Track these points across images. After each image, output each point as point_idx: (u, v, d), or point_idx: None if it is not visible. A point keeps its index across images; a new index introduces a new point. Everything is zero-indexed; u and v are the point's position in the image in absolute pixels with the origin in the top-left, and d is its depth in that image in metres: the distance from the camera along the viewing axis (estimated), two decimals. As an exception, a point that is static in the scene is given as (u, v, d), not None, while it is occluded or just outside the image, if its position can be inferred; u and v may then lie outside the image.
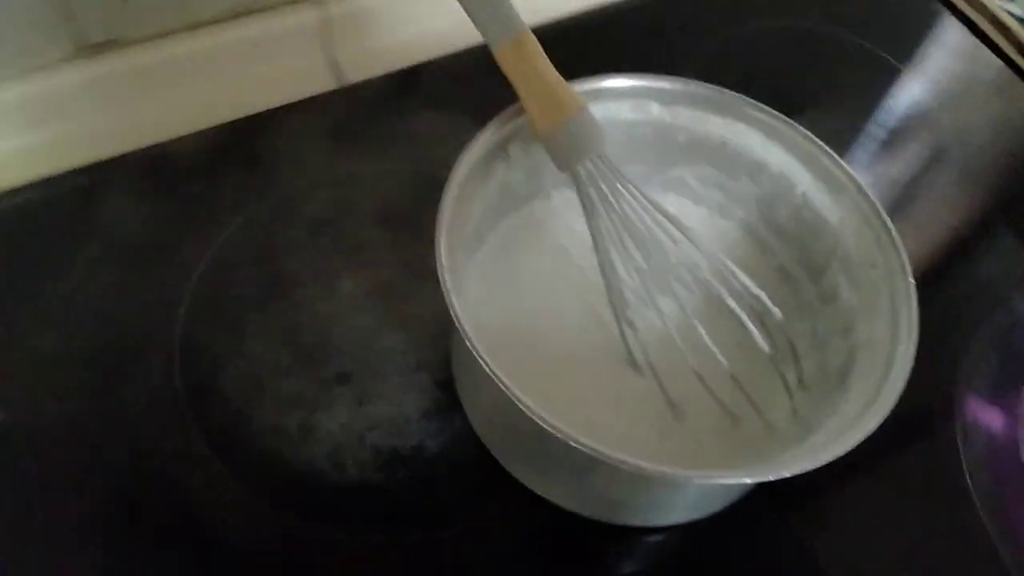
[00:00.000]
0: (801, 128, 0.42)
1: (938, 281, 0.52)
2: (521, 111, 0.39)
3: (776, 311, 0.40)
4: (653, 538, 0.41)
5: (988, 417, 0.47)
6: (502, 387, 0.32)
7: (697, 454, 0.40)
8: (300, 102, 0.53)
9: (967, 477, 0.44)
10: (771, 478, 0.32)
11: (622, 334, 0.41)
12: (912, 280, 0.37)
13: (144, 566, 0.37)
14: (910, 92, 0.61)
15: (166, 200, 0.48)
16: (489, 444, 0.41)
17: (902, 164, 0.57)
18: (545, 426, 0.31)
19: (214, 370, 0.42)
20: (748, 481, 0.35)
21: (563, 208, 0.45)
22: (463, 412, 0.42)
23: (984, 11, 0.66)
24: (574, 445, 0.31)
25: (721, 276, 0.41)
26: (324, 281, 0.46)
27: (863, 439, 0.32)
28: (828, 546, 0.41)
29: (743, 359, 0.41)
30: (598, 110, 0.40)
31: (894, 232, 0.39)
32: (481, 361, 0.32)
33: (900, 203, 0.55)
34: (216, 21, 0.51)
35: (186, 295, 0.44)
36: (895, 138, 0.59)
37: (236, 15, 0.51)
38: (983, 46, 0.65)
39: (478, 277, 0.42)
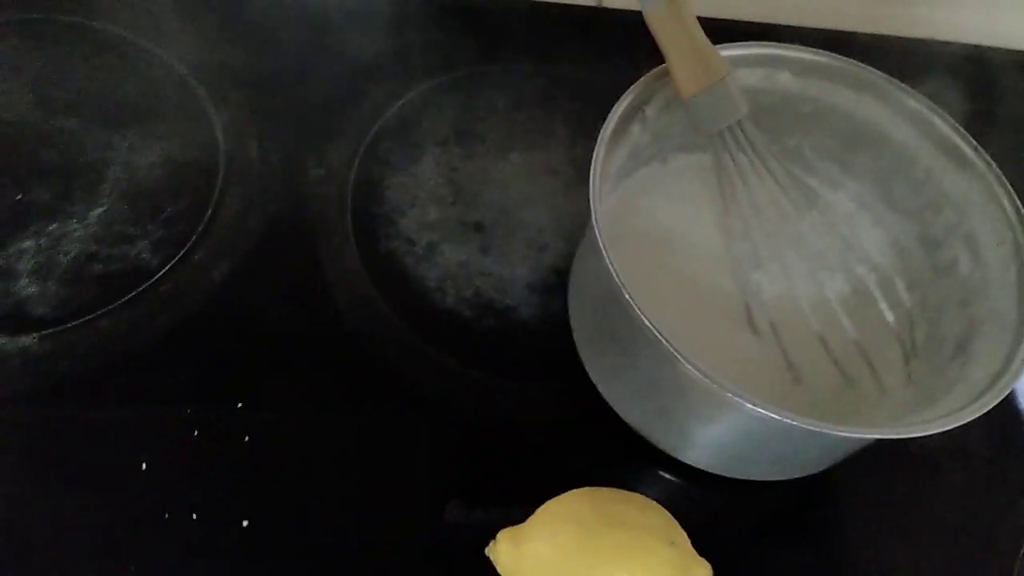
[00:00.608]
0: (928, 101, 0.41)
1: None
2: (665, 73, 0.39)
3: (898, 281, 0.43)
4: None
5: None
6: (624, 295, 0.34)
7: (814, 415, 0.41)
8: (559, 5, 0.58)
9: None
10: (910, 435, 0.33)
11: (744, 296, 0.43)
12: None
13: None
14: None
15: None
16: (579, 343, 0.44)
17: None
18: (664, 341, 0.34)
19: (383, 176, 0.49)
20: (888, 436, 0.35)
21: (680, 171, 0.46)
22: (563, 301, 0.46)
23: None
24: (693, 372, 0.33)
25: (843, 246, 0.42)
26: (502, 146, 0.51)
27: (996, 403, 0.33)
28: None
29: (860, 324, 0.43)
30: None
31: (1020, 211, 0.39)
32: (609, 263, 0.34)
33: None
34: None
35: (391, 110, 0.51)
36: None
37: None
38: None
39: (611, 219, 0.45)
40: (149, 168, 0.47)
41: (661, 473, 0.42)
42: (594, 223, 0.35)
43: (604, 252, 0.34)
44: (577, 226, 0.48)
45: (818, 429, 0.33)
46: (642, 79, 0.39)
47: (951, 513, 0.43)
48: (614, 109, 0.38)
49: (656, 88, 0.40)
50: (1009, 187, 0.39)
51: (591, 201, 0.36)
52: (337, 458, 0.40)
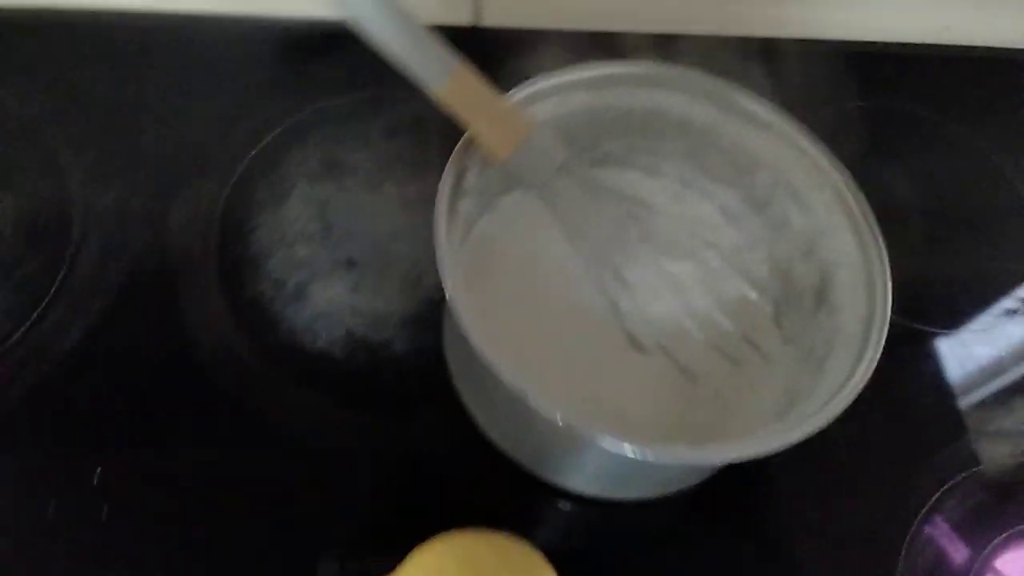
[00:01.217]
0: (723, 80, 0.43)
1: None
2: (470, 143, 0.39)
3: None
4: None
5: (952, 547, 0.44)
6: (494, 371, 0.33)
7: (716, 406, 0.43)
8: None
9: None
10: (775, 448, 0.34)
11: (620, 320, 0.43)
12: (863, 195, 0.40)
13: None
14: None
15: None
16: (454, 376, 0.44)
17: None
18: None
19: (250, 217, 0.48)
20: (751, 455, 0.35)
21: (520, 206, 0.45)
22: (439, 333, 0.46)
23: None
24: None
25: (684, 230, 0.45)
26: (374, 177, 0.50)
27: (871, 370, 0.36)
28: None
29: (726, 304, 0.45)
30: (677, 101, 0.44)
31: (830, 158, 0.42)
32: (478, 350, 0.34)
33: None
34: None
35: (257, 148, 0.50)
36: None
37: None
38: None
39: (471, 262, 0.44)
40: (-5, 226, 0.45)
41: (541, 500, 0.42)
42: (446, 287, 0.35)
43: (458, 313, 0.34)
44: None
45: (674, 461, 0.34)
46: (453, 153, 0.39)
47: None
48: (440, 189, 0.38)
49: (471, 154, 0.40)
50: (813, 138, 0.42)
51: (441, 270, 0.35)
52: (208, 514, 0.40)
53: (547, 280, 0.44)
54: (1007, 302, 0.53)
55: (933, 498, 0.44)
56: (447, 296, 0.35)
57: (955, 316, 0.51)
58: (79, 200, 0.47)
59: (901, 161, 0.57)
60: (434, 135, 0.52)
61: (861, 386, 0.35)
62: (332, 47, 0.55)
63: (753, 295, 0.45)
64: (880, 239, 0.40)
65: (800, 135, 0.42)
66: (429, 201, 0.49)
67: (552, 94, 0.42)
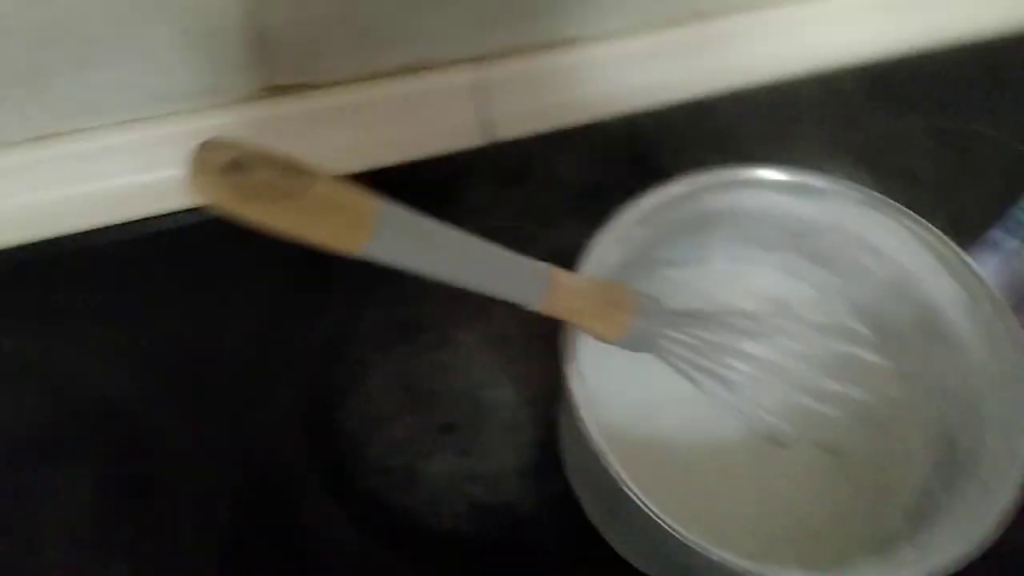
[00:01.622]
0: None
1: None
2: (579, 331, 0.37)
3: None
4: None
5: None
6: (604, 463, 0.33)
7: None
8: (449, 154, 0.56)
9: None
10: None
11: (746, 421, 0.42)
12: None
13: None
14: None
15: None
16: (589, 512, 0.42)
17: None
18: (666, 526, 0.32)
19: (333, 406, 0.46)
20: None
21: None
22: (561, 477, 0.44)
23: None
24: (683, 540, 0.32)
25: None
26: (443, 330, 0.48)
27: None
28: None
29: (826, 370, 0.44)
30: (750, 197, 0.43)
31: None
32: (586, 432, 0.34)
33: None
34: (388, 74, 0.55)
35: (318, 329, 0.48)
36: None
37: (404, 70, 0.55)
38: None
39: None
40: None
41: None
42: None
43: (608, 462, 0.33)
44: (546, 388, 0.46)
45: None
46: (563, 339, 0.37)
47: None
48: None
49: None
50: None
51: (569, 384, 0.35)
52: None
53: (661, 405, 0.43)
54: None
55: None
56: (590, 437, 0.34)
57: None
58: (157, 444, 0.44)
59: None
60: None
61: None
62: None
63: (849, 345, 0.45)
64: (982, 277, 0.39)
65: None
66: (505, 342, 0.48)
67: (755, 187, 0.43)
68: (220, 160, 0.28)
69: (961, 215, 0.45)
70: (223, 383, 0.46)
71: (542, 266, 0.36)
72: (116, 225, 0.51)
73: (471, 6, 0.53)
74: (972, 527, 0.33)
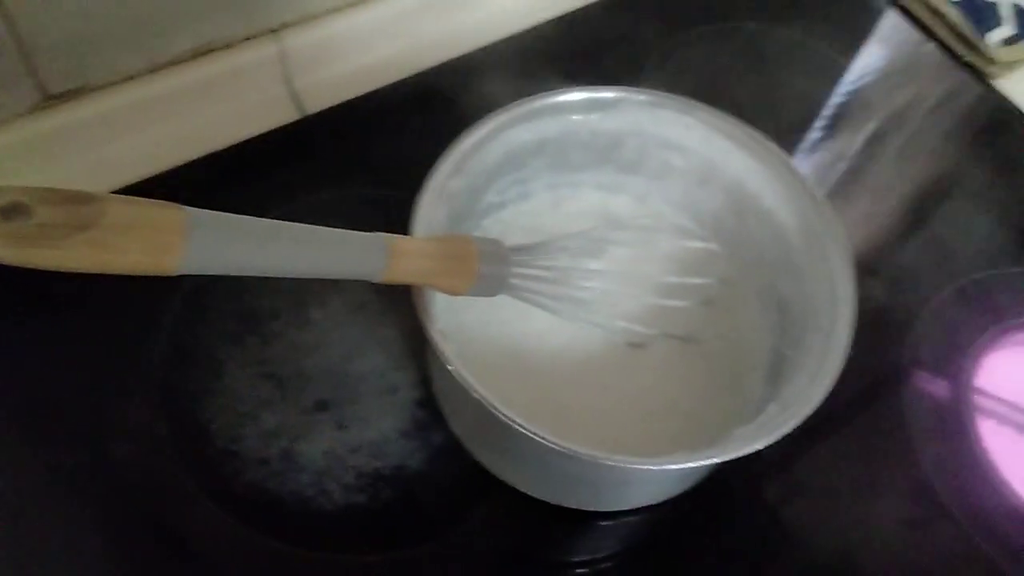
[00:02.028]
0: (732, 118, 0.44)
1: (882, 263, 0.54)
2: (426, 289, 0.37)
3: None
4: (634, 518, 0.43)
5: (934, 388, 0.49)
6: (477, 397, 0.34)
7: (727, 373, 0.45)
8: (264, 134, 0.54)
9: (913, 443, 0.47)
10: (732, 456, 0.35)
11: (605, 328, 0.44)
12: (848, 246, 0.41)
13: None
14: (850, 83, 0.63)
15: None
16: (473, 449, 0.43)
17: (842, 151, 0.59)
18: (518, 427, 0.33)
19: (195, 409, 0.43)
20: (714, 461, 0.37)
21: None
22: (442, 428, 0.44)
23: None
24: (535, 437, 0.33)
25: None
26: (295, 311, 0.47)
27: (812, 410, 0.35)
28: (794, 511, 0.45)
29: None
30: (552, 123, 0.44)
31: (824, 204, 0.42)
32: (457, 375, 0.34)
33: (842, 189, 0.57)
34: (177, 62, 0.52)
35: (162, 336, 0.45)
36: (835, 129, 0.60)
37: (196, 55, 0.52)
38: (923, 35, 0.67)
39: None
40: None
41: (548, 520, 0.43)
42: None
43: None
44: (409, 348, 0.46)
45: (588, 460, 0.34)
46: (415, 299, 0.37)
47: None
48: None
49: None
50: (809, 184, 0.43)
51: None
52: None
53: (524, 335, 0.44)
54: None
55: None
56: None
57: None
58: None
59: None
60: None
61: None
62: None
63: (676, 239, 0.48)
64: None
65: (803, 186, 0.43)
66: (363, 310, 0.47)
67: (565, 111, 0.44)
68: None
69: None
70: (77, 411, 0.43)
71: (377, 237, 0.34)
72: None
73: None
74: (822, 369, 0.36)
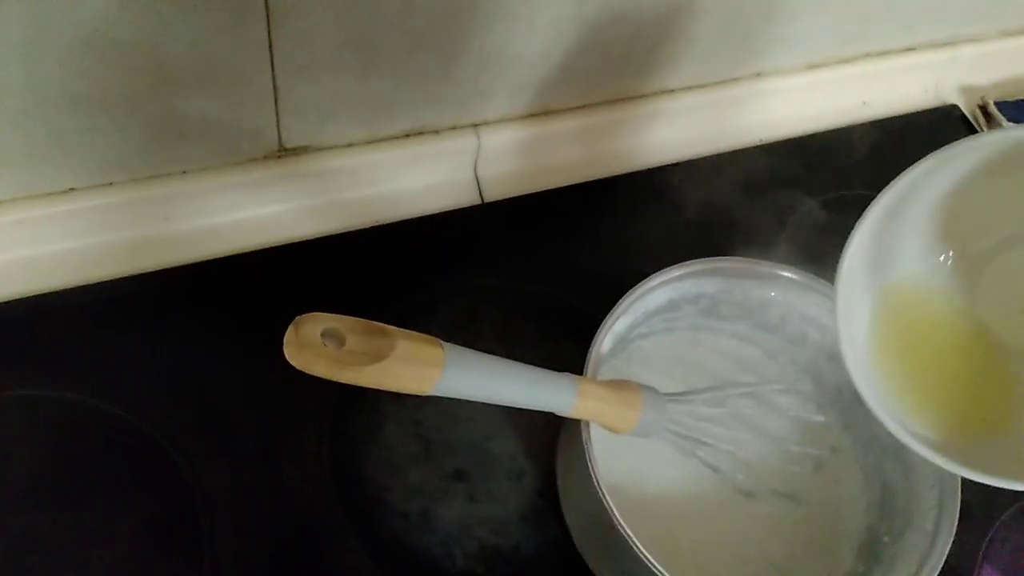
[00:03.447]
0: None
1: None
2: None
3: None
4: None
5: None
6: (618, 527, 0.39)
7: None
8: (447, 212, 0.60)
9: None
10: None
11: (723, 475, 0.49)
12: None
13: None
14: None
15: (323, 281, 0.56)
16: (585, 554, 0.48)
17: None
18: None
19: (355, 453, 0.50)
20: None
21: None
22: (558, 520, 0.49)
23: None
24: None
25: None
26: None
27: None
28: None
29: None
30: (713, 282, 0.50)
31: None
32: (604, 502, 0.40)
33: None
34: (392, 138, 0.59)
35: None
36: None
37: (408, 134, 0.59)
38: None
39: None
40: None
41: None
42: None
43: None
44: (544, 441, 0.52)
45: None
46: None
47: None
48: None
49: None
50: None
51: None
52: None
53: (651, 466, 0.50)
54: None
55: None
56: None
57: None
58: (199, 497, 0.47)
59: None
60: (486, 324, 0.56)
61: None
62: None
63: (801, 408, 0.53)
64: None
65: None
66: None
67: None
68: (315, 332, 0.33)
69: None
70: (255, 433, 0.49)
71: (569, 378, 0.41)
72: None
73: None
74: (918, 569, 0.41)
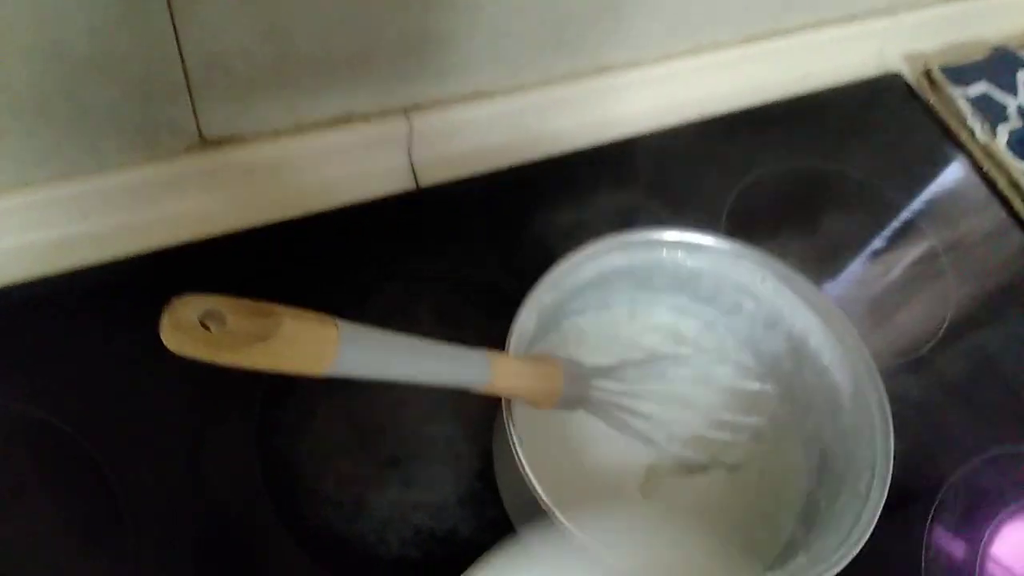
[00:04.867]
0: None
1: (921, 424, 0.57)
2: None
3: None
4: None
5: (953, 548, 0.52)
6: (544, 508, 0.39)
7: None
8: (380, 199, 0.60)
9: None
10: None
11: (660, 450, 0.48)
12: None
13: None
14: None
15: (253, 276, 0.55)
16: (520, 529, 0.47)
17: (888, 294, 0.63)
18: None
19: (285, 445, 0.49)
20: None
21: None
22: (496, 503, 0.48)
23: (998, 164, 0.71)
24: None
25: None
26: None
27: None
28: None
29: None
30: (643, 254, 0.49)
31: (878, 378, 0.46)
32: (528, 483, 0.39)
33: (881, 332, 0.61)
34: (319, 126, 0.58)
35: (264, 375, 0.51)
36: (886, 272, 0.64)
37: (336, 122, 0.58)
38: (990, 194, 0.70)
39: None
40: None
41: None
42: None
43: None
44: (477, 422, 0.51)
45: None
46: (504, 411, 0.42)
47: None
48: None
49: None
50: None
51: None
52: None
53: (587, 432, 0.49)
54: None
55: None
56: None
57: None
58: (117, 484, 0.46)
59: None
60: (424, 310, 0.55)
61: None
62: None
63: (739, 378, 0.52)
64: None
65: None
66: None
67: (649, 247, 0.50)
68: (192, 315, 0.31)
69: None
70: (179, 428, 0.48)
71: (483, 355, 0.40)
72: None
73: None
74: (850, 537, 0.40)
